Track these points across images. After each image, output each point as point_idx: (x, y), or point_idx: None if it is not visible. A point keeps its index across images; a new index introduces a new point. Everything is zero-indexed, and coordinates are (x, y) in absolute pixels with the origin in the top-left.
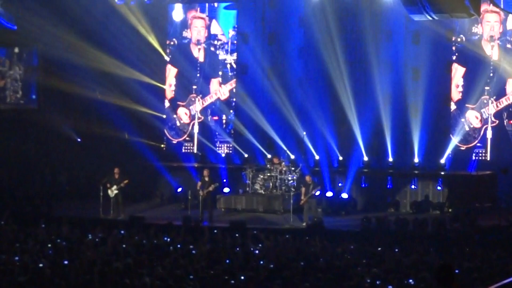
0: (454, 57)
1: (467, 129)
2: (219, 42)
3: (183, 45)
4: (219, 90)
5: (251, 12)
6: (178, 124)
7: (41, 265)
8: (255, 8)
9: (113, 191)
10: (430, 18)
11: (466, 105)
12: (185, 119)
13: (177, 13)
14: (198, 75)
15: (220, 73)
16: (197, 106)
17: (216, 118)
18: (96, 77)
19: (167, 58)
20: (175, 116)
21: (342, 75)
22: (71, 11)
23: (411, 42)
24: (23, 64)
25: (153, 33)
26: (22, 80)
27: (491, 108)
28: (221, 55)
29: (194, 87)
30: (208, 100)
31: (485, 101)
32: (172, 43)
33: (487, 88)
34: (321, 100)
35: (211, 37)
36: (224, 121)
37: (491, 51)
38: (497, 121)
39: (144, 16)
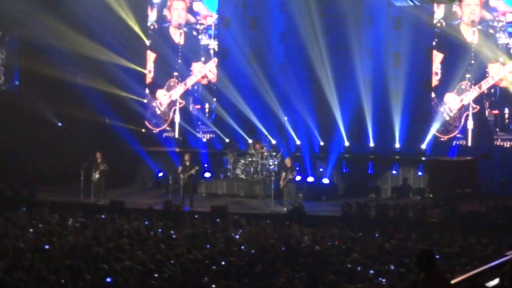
0: (434, 43)
1: (447, 118)
2: (202, 27)
3: (163, 29)
4: (200, 72)
5: None
6: (159, 112)
7: (21, 249)
8: None
9: (95, 175)
10: (412, 4)
11: (446, 93)
12: (165, 103)
13: None
14: (179, 60)
15: (202, 58)
16: (178, 90)
17: (198, 106)
18: (77, 62)
19: (147, 43)
20: (154, 104)
21: (323, 60)
22: None
23: (392, 27)
24: (5, 48)
25: (134, 17)
26: (4, 65)
27: (472, 94)
28: (204, 40)
29: (175, 73)
30: (189, 83)
31: (463, 87)
32: (152, 27)
33: (468, 75)
34: (302, 85)
35: (193, 20)
36: (206, 110)
37: (472, 36)
38: (478, 107)
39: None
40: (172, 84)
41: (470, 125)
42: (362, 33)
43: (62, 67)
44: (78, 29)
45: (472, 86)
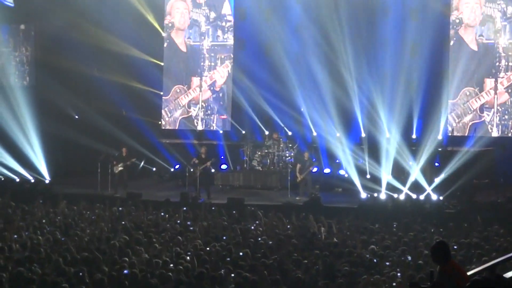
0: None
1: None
2: (228, 24)
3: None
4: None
5: None
6: (177, 113)
7: (39, 242)
8: None
9: (118, 168)
10: None
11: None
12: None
13: None
14: (202, 63)
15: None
16: (199, 94)
17: (224, 117)
18: (93, 54)
19: (164, 34)
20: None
21: (340, 52)
22: None
23: (409, 18)
24: (29, 44)
25: (151, 10)
26: (28, 62)
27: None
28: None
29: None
30: (207, 86)
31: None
32: (170, 24)
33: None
34: (318, 77)
35: (219, 17)
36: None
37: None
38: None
39: None
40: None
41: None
42: (378, 24)
43: (78, 60)
44: (94, 21)
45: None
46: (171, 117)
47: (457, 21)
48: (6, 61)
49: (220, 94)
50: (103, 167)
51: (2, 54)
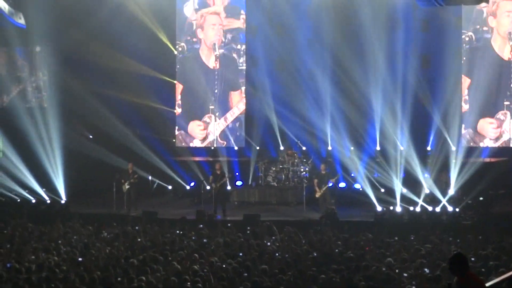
0: (462, 61)
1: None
2: (243, 47)
3: (194, 51)
4: (240, 103)
5: (259, 4)
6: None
7: (56, 262)
8: (262, 0)
9: (125, 186)
10: (438, 5)
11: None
12: (199, 137)
13: (188, 9)
14: (215, 90)
15: (243, 87)
16: (216, 127)
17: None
18: (105, 74)
19: (176, 53)
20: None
21: (352, 65)
22: (79, 8)
23: (420, 30)
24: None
25: (162, 29)
26: (45, 88)
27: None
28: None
29: (211, 106)
30: (230, 117)
31: (501, 117)
32: (180, 48)
33: (506, 103)
34: (331, 91)
35: (231, 38)
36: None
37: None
38: None
39: (153, 11)
40: (207, 120)
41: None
42: (390, 36)
43: (90, 80)
44: (107, 41)
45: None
46: (185, 137)
47: (468, 37)
48: (23, 87)
49: (237, 124)
50: (118, 186)
51: (19, 80)
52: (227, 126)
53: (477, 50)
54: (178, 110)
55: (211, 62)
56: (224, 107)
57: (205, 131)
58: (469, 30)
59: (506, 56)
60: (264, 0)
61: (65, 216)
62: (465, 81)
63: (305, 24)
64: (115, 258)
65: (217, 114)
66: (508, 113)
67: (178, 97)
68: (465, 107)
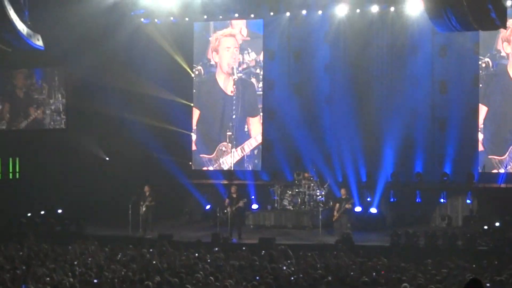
0: (479, 88)
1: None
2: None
3: (210, 75)
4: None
5: (276, 29)
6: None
7: (71, 283)
8: (280, 24)
9: (142, 209)
10: (456, 30)
11: (491, 156)
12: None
13: (205, 31)
14: (233, 116)
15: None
16: (231, 158)
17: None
18: (123, 96)
19: (193, 76)
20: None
21: (369, 90)
22: (97, 31)
23: (437, 55)
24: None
25: (180, 52)
26: (65, 111)
27: None
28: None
29: (229, 133)
30: (247, 148)
31: None
32: (196, 71)
33: None
34: (348, 115)
35: (248, 61)
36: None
37: None
38: None
39: (170, 35)
40: (223, 149)
41: None
42: (408, 61)
43: (108, 102)
44: (125, 64)
45: None
46: (202, 159)
47: (485, 63)
48: (42, 110)
49: (255, 152)
50: (134, 208)
51: (37, 102)
52: (244, 155)
53: (494, 76)
54: (194, 136)
55: (228, 87)
56: (242, 134)
57: (219, 162)
58: (486, 56)
59: None
60: (282, 24)
61: (81, 237)
62: (482, 109)
63: (323, 48)
64: (129, 281)
65: (234, 142)
66: None
67: (194, 123)
68: (481, 135)
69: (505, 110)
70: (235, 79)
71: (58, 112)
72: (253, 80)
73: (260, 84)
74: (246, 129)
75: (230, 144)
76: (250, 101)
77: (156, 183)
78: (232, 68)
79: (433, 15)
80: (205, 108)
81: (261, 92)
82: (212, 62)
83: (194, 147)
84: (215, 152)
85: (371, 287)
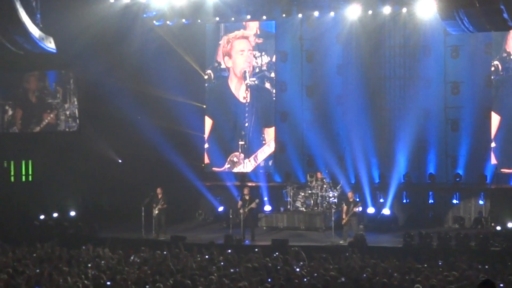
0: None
1: None
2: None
3: (222, 79)
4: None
5: (288, 30)
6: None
7: (85, 286)
8: (292, 26)
9: (155, 211)
10: (468, 31)
11: (503, 170)
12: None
13: (215, 34)
14: (246, 124)
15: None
16: (245, 168)
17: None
18: (135, 99)
19: (206, 77)
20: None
21: (381, 91)
22: (109, 33)
23: (450, 56)
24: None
25: (192, 54)
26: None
27: None
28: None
29: (241, 142)
30: (260, 157)
31: None
32: (207, 76)
33: None
34: (360, 117)
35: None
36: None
37: None
38: None
39: (182, 37)
40: (235, 160)
41: None
42: (420, 62)
43: (121, 105)
44: (136, 66)
45: None
46: (214, 162)
47: (494, 66)
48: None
49: (269, 162)
50: (147, 211)
51: (50, 106)
52: (258, 165)
53: (506, 81)
54: (206, 145)
55: (241, 93)
56: (255, 143)
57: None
58: (495, 59)
59: None
60: (294, 25)
61: (94, 240)
62: (494, 116)
63: (335, 49)
64: (143, 283)
65: (246, 153)
66: None
67: (207, 133)
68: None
69: None
70: (248, 84)
71: (74, 118)
72: (268, 85)
73: (275, 90)
74: (261, 139)
75: (242, 155)
76: (264, 109)
77: (169, 185)
78: (245, 73)
79: (446, 16)
80: (217, 115)
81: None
82: (223, 66)
83: (206, 160)
84: (226, 163)
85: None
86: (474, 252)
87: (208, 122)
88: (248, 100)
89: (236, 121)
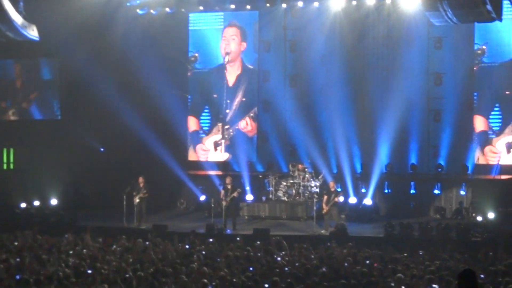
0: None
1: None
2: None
3: (206, 65)
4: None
5: (272, 21)
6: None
7: (65, 274)
8: (276, 16)
9: (136, 200)
10: (452, 23)
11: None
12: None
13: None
14: (227, 110)
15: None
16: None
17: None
18: (118, 87)
19: (189, 68)
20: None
21: (364, 82)
22: (93, 21)
23: (433, 47)
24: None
25: (175, 43)
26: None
27: None
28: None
29: (226, 126)
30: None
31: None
32: (192, 62)
33: None
34: (343, 107)
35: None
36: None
37: None
38: None
39: (166, 26)
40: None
41: None
42: (403, 53)
43: (104, 93)
44: (119, 55)
45: None
46: (196, 150)
47: (479, 51)
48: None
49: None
50: (128, 199)
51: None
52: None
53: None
54: (191, 128)
55: (230, 78)
56: (238, 132)
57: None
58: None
59: None
60: (278, 15)
61: (75, 228)
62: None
63: (319, 39)
64: (124, 271)
65: (226, 136)
66: None
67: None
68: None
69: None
70: (232, 70)
71: (51, 103)
72: (249, 72)
73: (256, 75)
74: (244, 124)
75: (223, 141)
76: (247, 94)
77: (151, 174)
78: (228, 59)
79: (429, 7)
80: (200, 100)
81: (257, 84)
82: (209, 53)
83: (189, 140)
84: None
85: (365, 278)
86: (454, 243)
87: (191, 110)
88: (233, 85)
89: (218, 108)
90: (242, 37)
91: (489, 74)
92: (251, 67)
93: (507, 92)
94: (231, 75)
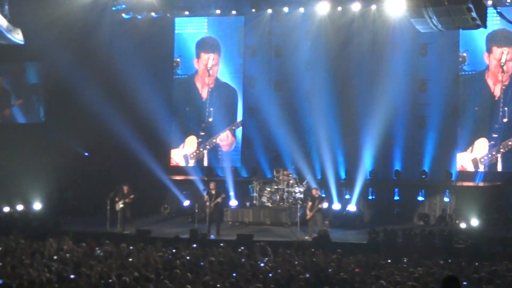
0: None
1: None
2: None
3: (188, 73)
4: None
5: (257, 26)
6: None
7: (48, 279)
8: (261, 21)
9: (119, 205)
10: (437, 30)
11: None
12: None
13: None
14: (210, 118)
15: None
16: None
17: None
18: (103, 92)
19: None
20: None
21: (349, 88)
22: (78, 26)
23: (418, 53)
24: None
25: (161, 48)
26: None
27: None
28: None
29: (203, 125)
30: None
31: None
32: (175, 69)
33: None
34: (328, 113)
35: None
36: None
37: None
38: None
39: (151, 31)
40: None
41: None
42: (388, 59)
43: (88, 98)
44: (104, 59)
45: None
46: (180, 155)
47: (460, 59)
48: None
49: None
50: (112, 204)
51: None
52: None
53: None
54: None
55: (204, 89)
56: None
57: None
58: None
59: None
60: (264, 21)
61: (58, 233)
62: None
63: (304, 45)
64: (107, 276)
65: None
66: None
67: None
68: (460, 133)
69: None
70: (214, 81)
71: (37, 107)
72: (234, 82)
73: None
74: (225, 137)
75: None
76: (228, 105)
77: (135, 179)
78: (210, 70)
79: (414, 14)
80: (183, 108)
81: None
82: (191, 62)
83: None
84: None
85: (348, 284)
86: (438, 249)
87: (176, 115)
88: (212, 96)
89: (200, 114)
90: (216, 51)
91: (470, 82)
92: (224, 81)
93: (476, 108)
94: (204, 88)
